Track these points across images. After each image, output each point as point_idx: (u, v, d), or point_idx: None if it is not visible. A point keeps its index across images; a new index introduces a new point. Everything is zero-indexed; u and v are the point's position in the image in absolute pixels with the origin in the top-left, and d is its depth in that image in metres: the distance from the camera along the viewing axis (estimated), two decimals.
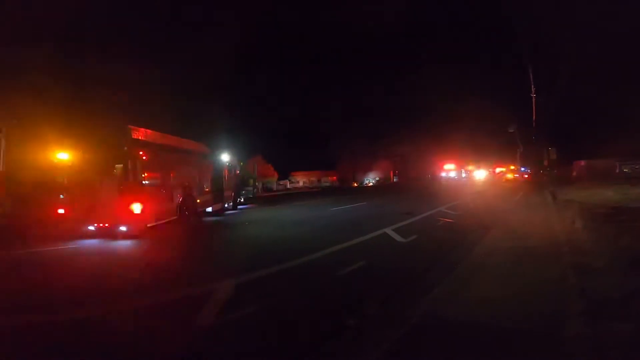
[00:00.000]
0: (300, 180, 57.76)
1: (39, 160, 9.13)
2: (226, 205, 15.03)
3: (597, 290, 3.91)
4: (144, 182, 9.05)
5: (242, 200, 18.14)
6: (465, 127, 46.14)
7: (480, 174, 42.61)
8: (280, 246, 7.93)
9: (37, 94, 14.26)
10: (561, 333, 3.04)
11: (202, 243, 9.12)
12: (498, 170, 46.92)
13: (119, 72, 17.40)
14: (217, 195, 13.81)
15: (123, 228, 8.68)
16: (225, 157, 15.24)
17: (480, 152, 46.07)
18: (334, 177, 57.76)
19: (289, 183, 54.07)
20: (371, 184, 54.19)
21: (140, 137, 9.05)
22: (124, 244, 8.38)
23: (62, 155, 9.20)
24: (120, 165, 8.90)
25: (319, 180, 57.98)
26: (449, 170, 43.75)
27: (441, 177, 42.99)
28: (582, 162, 42.63)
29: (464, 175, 44.00)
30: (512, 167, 47.52)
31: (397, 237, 8.21)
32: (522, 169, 43.54)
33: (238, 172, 17.28)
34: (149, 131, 9.59)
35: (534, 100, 23.96)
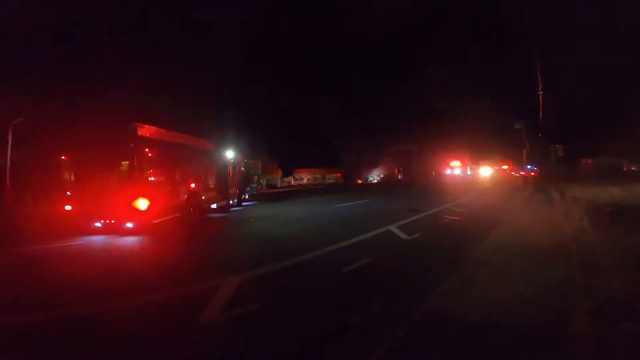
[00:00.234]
0: (305, 177, 57.80)
1: (45, 157, 9.23)
2: (231, 202, 15.10)
3: (604, 289, 3.88)
4: (150, 178, 9.11)
5: (247, 197, 18.21)
6: (471, 125, 45.84)
7: (485, 172, 42.33)
8: (284, 243, 7.96)
9: (43, 91, 14.41)
10: (567, 332, 3.03)
11: (207, 239, 9.18)
12: (504, 167, 46.55)
13: (125, 69, 17.50)
14: (222, 192, 13.88)
15: (129, 224, 8.76)
16: (229, 154, 15.29)
17: (486, 149, 45.74)
18: (339, 174, 57.72)
19: (293, 180, 54.17)
20: (376, 181, 54.07)
21: (146, 134, 9.10)
22: (130, 241, 8.46)
23: (69, 152, 9.29)
24: (127, 162, 8.96)
25: (323, 177, 57.98)
26: (455, 167, 43.53)
27: (446, 174, 42.80)
28: (589, 160, 42.17)
29: (469, 172, 43.76)
30: (519, 165, 47.11)
31: (402, 235, 8.19)
32: (529, 166, 43.13)
33: (242, 168, 17.33)
34: (154, 128, 9.63)
35: (540, 97, 23.69)
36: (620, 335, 2.90)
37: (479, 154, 46.01)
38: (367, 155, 54.63)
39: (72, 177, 9.23)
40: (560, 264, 5.02)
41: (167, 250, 7.70)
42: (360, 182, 52.17)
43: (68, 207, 8.97)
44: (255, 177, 21.32)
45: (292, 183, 52.20)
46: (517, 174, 44.22)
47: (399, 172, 57.95)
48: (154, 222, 8.93)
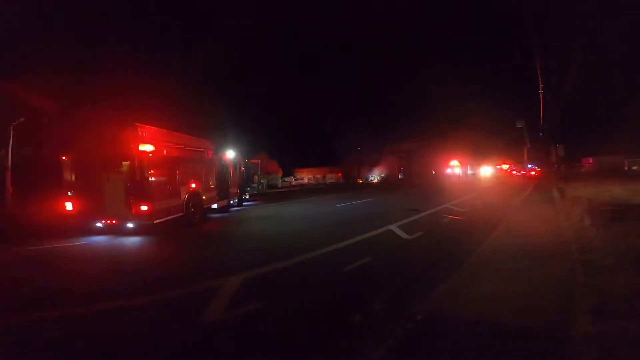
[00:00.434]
0: (305, 177, 57.81)
1: (47, 158, 9.26)
2: (231, 202, 15.10)
3: (605, 288, 3.87)
4: (150, 179, 9.12)
5: (247, 196, 18.21)
6: (471, 124, 45.84)
7: (486, 171, 42.33)
8: (285, 242, 7.96)
9: (44, 92, 14.43)
10: (568, 332, 3.03)
11: (208, 239, 9.19)
12: (504, 167, 46.55)
13: (126, 70, 17.51)
14: (223, 192, 13.88)
15: (130, 224, 8.77)
16: (230, 154, 15.29)
17: (486, 149, 45.75)
18: (339, 174, 57.69)
19: (294, 180, 54.18)
20: (376, 180, 54.05)
21: (146, 135, 9.12)
22: (131, 241, 8.47)
23: (70, 153, 9.30)
24: (127, 163, 8.98)
25: (323, 177, 57.96)
26: (455, 167, 43.54)
27: (447, 173, 42.80)
28: (591, 159, 42.17)
29: (469, 172, 43.76)
30: (519, 164, 47.13)
31: (403, 234, 8.19)
32: (529, 165, 43.08)
33: (243, 169, 17.33)
34: (155, 128, 9.65)
35: (541, 97, 23.67)
36: (622, 334, 2.90)
37: (479, 153, 46.03)
38: (367, 155, 54.59)
39: (73, 178, 9.24)
40: (562, 264, 5.01)
41: (168, 250, 7.71)
42: (360, 182, 52.15)
43: (69, 207, 8.99)
44: (256, 177, 21.32)
45: (293, 183, 52.21)
46: (517, 173, 44.21)
47: (399, 171, 57.93)
48: (154, 222, 8.94)
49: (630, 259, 4.73)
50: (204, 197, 11.69)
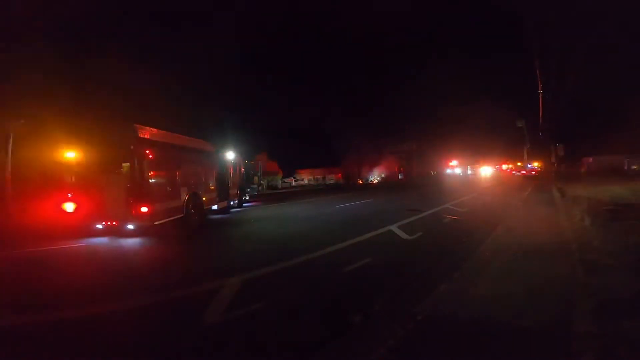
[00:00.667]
0: (305, 177, 57.79)
1: (46, 160, 9.25)
2: (231, 203, 15.09)
3: (606, 288, 3.88)
4: (150, 180, 9.11)
5: (247, 198, 18.20)
6: (471, 124, 45.89)
7: (486, 171, 42.33)
8: (285, 243, 7.96)
9: (43, 93, 14.43)
10: (569, 331, 3.03)
11: (208, 241, 9.19)
12: (504, 167, 46.58)
13: (125, 71, 17.52)
14: (223, 193, 13.87)
15: (130, 226, 8.76)
16: (230, 155, 15.29)
17: (486, 149, 45.80)
18: (339, 175, 57.67)
19: (294, 180, 54.18)
20: (376, 181, 54.06)
21: (146, 136, 9.11)
22: (131, 242, 8.47)
23: (69, 155, 9.30)
24: (127, 164, 8.97)
25: (323, 178, 57.95)
26: (455, 167, 43.56)
27: (447, 173, 42.82)
28: (590, 159, 42.18)
29: (469, 172, 43.78)
30: (519, 164, 47.17)
31: (403, 235, 8.19)
32: (529, 165, 43.09)
33: (243, 170, 17.32)
34: (155, 130, 9.64)
35: (541, 97, 23.67)
36: (623, 334, 2.90)
37: (479, 153, 46.06)
38: (367, 155, 54.61)
39: (73, 179, 9.24)
40: (562, 263, 5.01)
41: (168, 252, 7.71)
42: (360, 182, 52.16)
43: (69, 209, 8.98)
44: (256, 178, 21.27)
45: (293, 184, 52.21)
46: (517, 173, 44.21)
47: (399, 172, 57.95)
48: (155, 223, 8.93)
49: (630, 258, 4.73)
50: (204, 199, 11.69)
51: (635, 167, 37.18)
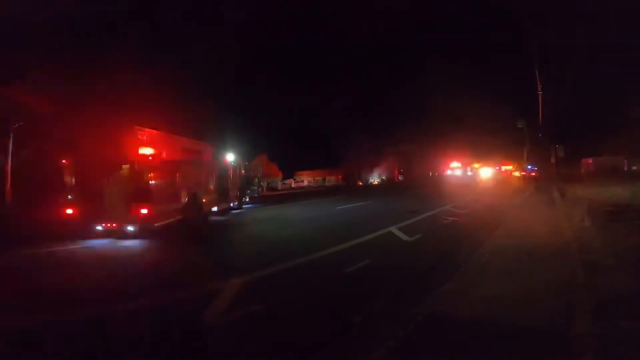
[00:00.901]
0: (305, 179, 57.80)
1: (47, 161, 9.26)
2: (231, 205, 15.10)
3: (606, 288, 3.88)
4: (150, 182, 9.12)
5: (247, 199, 18.20)
6: (471, 125, 45.91)
7: (486, 172, 42.31)
8: (286, 245, 7.96)
9: (43, 95, 14.45)
10: (569, 332, 3.03)
11: (208, 242, 9.19)
12: (504, 168, 46.57)
13: (125, 72, 17.53)
14: (223, 194, 13.88)
15: (130, 228, 8.75)
16: (230, 157, 15.31)
17: (486, 150, 45.79)
18: (339, 176, 57.67)
19: (294, 182, 54.19)
20: (376, 182, 54.06)
21: (146, 137, 9.13)
22: (131, 244, 8.47)
23: (70, 156, 9.31)
24: (127, 166, 8.98)
25: (323, 179, 57.94)
26: (455, 168, 43.56)
27: (447, 175, 42.81)
28: (590, 160, 42.17)
29: (469, 173, 43.76)
30: (519, 165, 47.17)
31: (403, 236, 8.19)
32: (529, 166, 43.11)
33: (243, 171, 17.34)
34: (155, 131, 9.66)
35: (540, 97, 23.67)
36: (623, 334, 2.90)
37: (479, 154, 46.06)
38: (367, 156, 54.62)
39: (73, 181, 9.24)
40: (562, 264, 5.01)
41: (168, 253, 7.71)
42: (360, 184, 52.15)
43: (69, 211, 8.98)
44: (256, 180, 21.30)
45: (293, 185, 52.22)
46: (517, 174, 44.21)
47: (399, 173, 57.96)
48: (155, 225, 8.93)
49: (630, 259, 4.73)
50: (204, 200, 11.69)
51: (635, 167, 37.20)
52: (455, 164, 44.12)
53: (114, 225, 8.83)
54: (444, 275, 4.85)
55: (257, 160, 30.97)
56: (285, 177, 51.38)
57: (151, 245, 8.41)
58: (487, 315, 3.49)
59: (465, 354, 2.87)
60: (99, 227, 8.92)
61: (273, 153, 45.62)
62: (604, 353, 2.70)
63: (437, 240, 7.83)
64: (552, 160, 24.57)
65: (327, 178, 58.14)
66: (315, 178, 58.41)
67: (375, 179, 55.76)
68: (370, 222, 10.34)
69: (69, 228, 8.90)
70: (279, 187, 45.63)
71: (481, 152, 45.95)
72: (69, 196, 9.10)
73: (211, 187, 12.80)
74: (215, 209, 13.18)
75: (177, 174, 10.39)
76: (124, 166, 9.04)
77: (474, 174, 43.05)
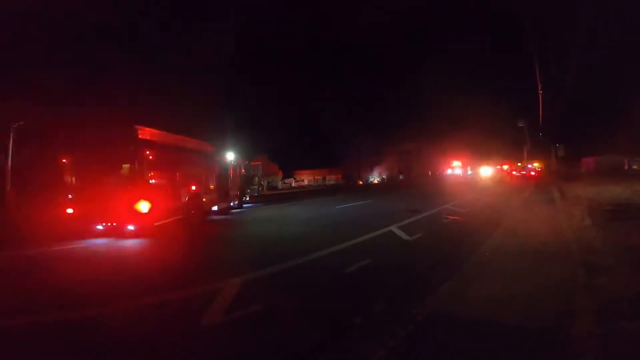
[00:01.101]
0: (305, 178, 57.87)
1: (47, 160, 9.26)
2: (232, 204, 15.11)
3: (607, 288, 3.87)
4: (151, 181, 9.12)
5: (248, 198, 18.22)
6: (471, 124, 45.88)
7: (486, 171, 42.28)
8: (286, 244, 7.96)
9: (43, 94, 14.45)
10: (570, 332, 3.02)
11: (208, 242, 9.18)
12: (504, 167, 46.55)
13: (125, 72, 17.54)
14: (223, 193, 13.89)
15: (131, 227, 8.76)
16: (230, 156, 15.31)
17: (487, 149, 45.78)
18: (339, 175, 57.68)
19: (294, 181, 54.30)
20: (376, 181, 54.07)
21: (147, 137, 9.12)
22: (132, 243, 8.47)
23: (70, 156, 9.31)
24: (128, 165, 8.98)
25: (324, 179, 58.01)
26: (455, 167, 43.52)
27: (447, 174, 42.79)
28: (591, 159, 42.17)
29: (470, 172, 43.74)
30: (519, 164, 47.17)
31: (403, 235, 8.18)
32: (529, 165, 43.08)
33: (243, 170, 17.35)
34: (155, 131, 9.65)
35: (540, 97, 23.66)
36: (624, 335, 2.89)
37: (479, 154, 46.04)
38: (367, 156, 54.67)
39: (74, 180, 9.25)
40: (562, 264, 5.01)
41: (169, 253, 7.70)
42: (360, 183, 52.16)
43: (69, 210, 8.98)
44: (256, 179, 21.35)
45: (293, 184, 52.27)
46: (517, 174, 44.18)
47: (399, 172, 57.96)
48: (155, 224, 8.94)
49: (631, 259, 4.72)
50: (204, 199, 11.70)
51: (636, 166, 37.18)
52: (455, 163, 44.07)
53: (114, 224, 8.84)
54: (445, 275, 4.84)
55: (258, 159, 31.00)
56: (285, 177, 51.49)
57: (151, 244, 8.41)
58: (488, 316, 3.48)
59: (465, 354, 2.87)
60: (99, 227, 8.93)
61: (273, 152, 45.74)
62: (604, 353, 2.69)
63: (438, 239, 7.83)
64: (553, 159, 24.56)
65: (328, 177, 58.21)
66: (316, 177, 58.48)
67: (375, 178, 55.78)
68: (371, 221, 10.34)
69: (69, 227, 8.91)
70: (279, 187, 45.69)
71: (481, 151, 45.94)
72: (69, 196, 9.10)
73: (211, 186, 12.81)
74: (215, 208, 13.19)
75: (177, 174, 10.40)
76: (124, 166, 9.04)
77: (474, 173, 43.02)
